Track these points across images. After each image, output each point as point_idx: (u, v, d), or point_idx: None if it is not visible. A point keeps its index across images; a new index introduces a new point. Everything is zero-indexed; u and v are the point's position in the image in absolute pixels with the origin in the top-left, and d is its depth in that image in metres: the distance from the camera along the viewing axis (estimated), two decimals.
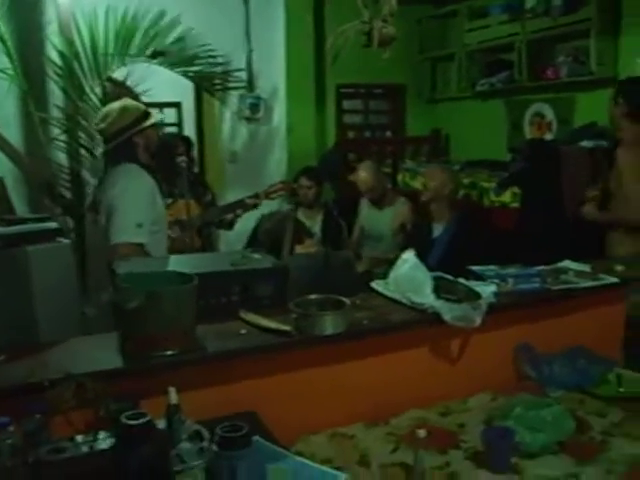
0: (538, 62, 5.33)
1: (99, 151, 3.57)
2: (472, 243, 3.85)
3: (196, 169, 5.44)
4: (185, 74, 4.69)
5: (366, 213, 5.01)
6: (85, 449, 1.65)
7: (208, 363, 2.02)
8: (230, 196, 4.83)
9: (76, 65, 4.41)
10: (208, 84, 4.97)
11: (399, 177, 5.90)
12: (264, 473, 1.47)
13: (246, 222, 5.00)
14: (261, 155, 6.28)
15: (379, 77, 5.90)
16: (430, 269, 2.48)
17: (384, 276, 2.64)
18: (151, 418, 1.50)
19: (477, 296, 2.38)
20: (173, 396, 1.82)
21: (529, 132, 5.72)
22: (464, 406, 2.38)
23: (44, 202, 4.57)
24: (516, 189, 4.53)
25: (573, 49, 5.08)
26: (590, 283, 2.73)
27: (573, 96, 5.24)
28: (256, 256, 2.53)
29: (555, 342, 2.59)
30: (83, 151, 4.47)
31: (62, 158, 4.59)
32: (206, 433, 1.82)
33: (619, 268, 2.90)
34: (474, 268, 2.75)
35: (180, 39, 4.58)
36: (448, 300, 2.36)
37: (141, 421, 1.46)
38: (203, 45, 4.60)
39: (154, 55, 4.52)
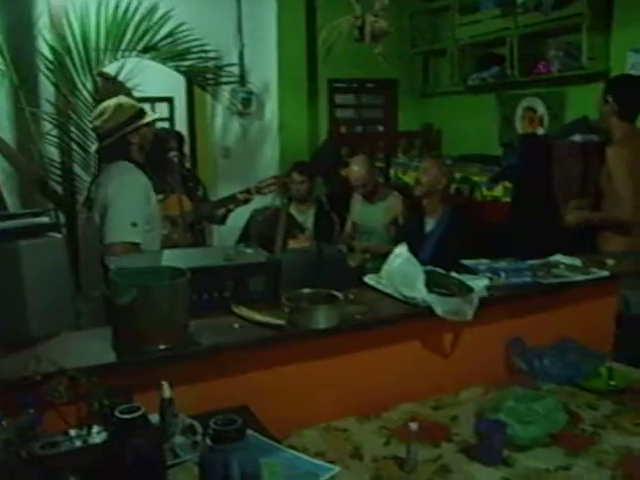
0: (530, 57, 5.34)
1: (92, 148, 3.55)
2: (464, 237, 3.87)
3: (188, 164, 5.43)
4: (177, 69, 4.68)
5: (358, 208, 5.01)
6: (79, 443, 1.65)
7: (201, 357, 2.03)
8: (222, 191, 4.83)
9: (67, 60, 4.38)
10: (200, 79, 4.95)
11: (391, 172, 5.90)
12: (257, 466, 1.48)
13: (238, 217, 5.00)
14: (253, 150, 6.28)
15: (371, 72, 5.88)
16: (422, 263, 2.49)
17: (377, 270, 2.65)
18: (145, 411, 1.50)
19: (469, 290, 2.40)
20: (166, 390, 1.82)
21: (521, 127, 5.73)
22: (456, 399, 2.40)
23: (35, 197, 4.56)
24: (508, 183, 4.55)
25: (564, 44, 5.09)
26: (581, 277, 2.74)
27: (564, 91, 5.25)
28: (249, 251, 2.54)
29: (547, 335, 2.61)
30: (75, 146, 4.45)
31: (54, 153, 4.57)
32: (199, 427, 1.82)
33: (610, 262, 2.91)
34: (466, 262, 2.76)
35: (172, 34, 4.56)
36: (440, 294, 2.36)
37: (135, 414, 1.47)
38: (195, 40, 4.58)
39: (146, 50, 4.51)
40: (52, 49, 4.40)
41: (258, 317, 2.17)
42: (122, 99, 3.16)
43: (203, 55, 4.73)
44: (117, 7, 4.40)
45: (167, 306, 1.93)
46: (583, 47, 4.83)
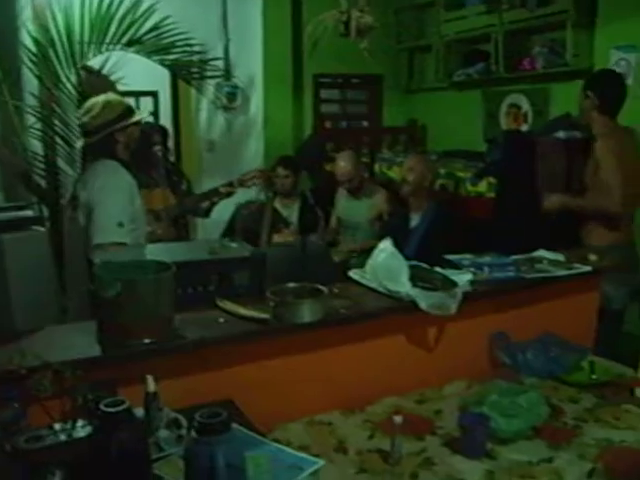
0: (515, 53, 5.36)
1: (77, 142, 3.52)
2: (449, 232, 3.88)
3: (172, 158, 5.41)
4: (162, 62, 4.65)
5: (343, 203, 5.01)
6: (63, 437, 1.64)
7: (186, 351, 2.03)
8: (207, 185, 4.80)
9: (51, 52, 4.35)
10: (185, 73, 4.93)
11: (376, 167, 5.91)
12: (242, 459, 1.48)
13: (223, 211, 4.99)
14: (238, 144, 6.26)
15: (356, 67, 5.88)
16: (407, 258, 2.50)
17: (361, 265, 2.66)
18: (130, 405, 1.50)
19: (453, 284, 2.41)
20: (151, 384, 1.83)
21: (505, 123, 5.74)
22: (440, 393, 2.42)
23: (19, 190, 4.53)
24: (492, 179, 4.57)
25: (549, 41, 5.11)
26: (564, 272, 2.77)
27: (549, 87, 5.27)
28: (233, 245, 2.54)
29: (530, 330, 2.63)
30: (59, 140, 4.42)
31: (37, 146, 4.54)
32: (184, 421, 1.83)
33: (593, 257, 2.94)
34: (450, 257, 2.77)
35: (156, 27, 4.53)
36: (424, 288, 2.38)
37: (120, 408, 1.47)
38: (180, 33, 4.56)
39: (130, 43, 4.48)
40: (36, 41, 4.37)
41: (243, 311, 2.17)
42: (110, 96, 3.12)
43: (188, 49, 4.71)
44: (101, 0, 4.37)
45: (152, 300, 1.93)
46: (567, 44, 4.85)
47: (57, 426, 1.69)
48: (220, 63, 5.62)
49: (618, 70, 4.38)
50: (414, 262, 2.53)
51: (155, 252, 2.45)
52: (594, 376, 2.52)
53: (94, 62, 4.50)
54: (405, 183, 4.26)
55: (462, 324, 2.49)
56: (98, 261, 2.16)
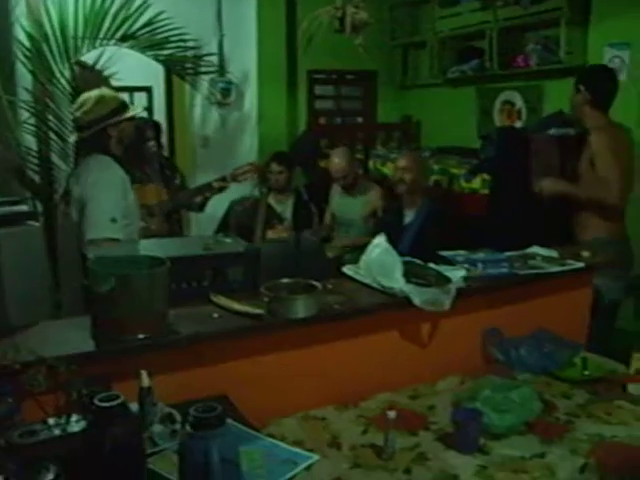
0: (509, 50, 5.37)
1: (71, 137, 3.52)
2: (443, 229, 3.89)
3: (165, 153, 5.40)
4: (156, 58, 4.64)
5: (337, 199, 5.02)
6: (57, 432, 1.65)
7: (180, 347, 2.03)
8: (201, 180, 4.79)
9: (45, 47, 4.33)
10: (179, 68, 4.93)
11: (370, 163, 5.91)
12: (237, 453, 1.49)
13: (217, 207, 4.99)
14: (232, 140, 6.26)
15: (351, 63, 5.88)
16: (401, 255, 2.51)
17: (355, 261, 2.66)
18: (124, 400, 1.51)
19: (447, 280, 2.42)
20: (145, 379, 1.83)
21: (499, 120, 5.76)
22: (433, 389, 2.43)
23: (12, 186, 4.51)
24: (486, 176, 4.58)
25: (543, 38, 5.12)
26: (557, 268, 2.78)
27: (542, 84, 5.28)
28: (228, 240, 2.54)
29: (523, 326, 2.64)
30: (52, 135, 4.41)
31: (31, 142, 4.53)
32: (178, 416, 1.83)
33: (586, 254, 2.95)
34: (444, 253, 2.78)
35: (150, 22, 4.52)
36: (418, 284, 2.39)
37: (114, 403, 1.47)
38: (174, 29, 4.56)
39: (124, 38, 4.47)
40: (29, 36, 4.36)
41: (237, 306, 2.17)
42: (104, 91, 3.11)
43: (182, 44, 4.70)
44: None
45: (146, 295, 1.93)
46: (561, 41, 4.86)
47: (51, 421, 1.69)
48: (214, 59, 5.62)
49: (612, 67, 4.39)
50: (408, 258, 2.54)
51: (149, 247, 2.45)
52: (587, 372, 2.53)
53: (88, 57, 4.49)
54: (401, 183, 4.25)
55: (456, 320, 2.50)
56: (92, 256, 2.16)
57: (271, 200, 5.02)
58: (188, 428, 1.45)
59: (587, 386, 2.41)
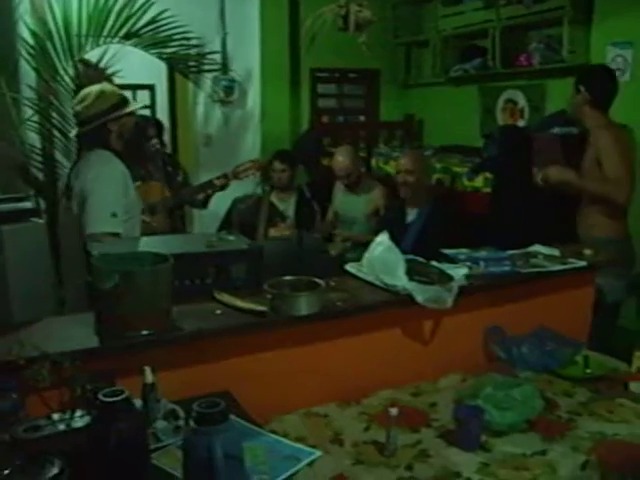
0: (511, 49, 5.37)
1: (72, 133, 3.53)
2: (445, 227, 3.89)
3: (168, 151, 5.41)
4: (159, 56, 4.65)
5: (341, 197, 5.02)
6: (62, 427, 1.66)
7: (183, 343, 2.04)
8: (204, 179, 4.77)
9: (49, 45, 4.35)
10: (182, 66, 4.93)
11: (373, 162, 5.92)
12: (240, 449, 1.50)
13: (220, 204, 5.00)
14: (235, 138, 6.26)
15: (354, 62, 5.89)
16: (404, 253, 2.51)
17: (357, 259, 2.67)
18: (129, 395, 1.52)
19: (449, 278, 2.42)
20: (148, 375, 1.84)
21: (501, 118, 5.76)
22: (435, 386, 2.43)
23: (17, 183, 4.52)
24: (488, 174, 4.58)
25: (546, 37, 5.12)
26: (559, 267, 2.78)
27: (545, 83, 5.29)
28: (231, 238, 2.55)
29: (525, 324, 2.65)
30: (56, 132, 4.42)
31: (35, 139, 4.54)
32: (181, 412, 1.84)
33: (588, 252, 2.95)
34: (446, 251, 2.78)
35: (154, 21, 4.53)
36: (421, 282, 2.39)
37: (119, 398, 1.48)
38: (177, 27, 4.56)
39: (128, 36, 4.48)
40: (33, 34, 4.37)
41: (240, 303, 2.18)
42: (105, 86, 3.13)
43: (185, 42, 4.70)
44: None
45: (150, 291, 1.94)
46: (564, 40, 4.87)
47: (56, 416, 1.71)
48: (217, 57, 5.62)
49: (614, 67, 4.40)
50: (411, 256, 2.54)
51: (153, 244, 2.46)
52: (588, 370, 2.54)
53: (92, 55, 4.50)
54: (405, 186, 4.25)
55: (458, 318, 2.51)
56: (96, 253, 2.17)
57: (274, 198, 5.03)
58: (192, 423, 1.46)
59: (589, 384, 2.42)
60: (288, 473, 1.70)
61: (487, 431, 2.03)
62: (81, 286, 2.57)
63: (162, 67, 5.19)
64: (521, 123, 5.52)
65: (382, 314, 2.40)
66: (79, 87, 4.29)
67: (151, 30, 4.53)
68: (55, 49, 4.38)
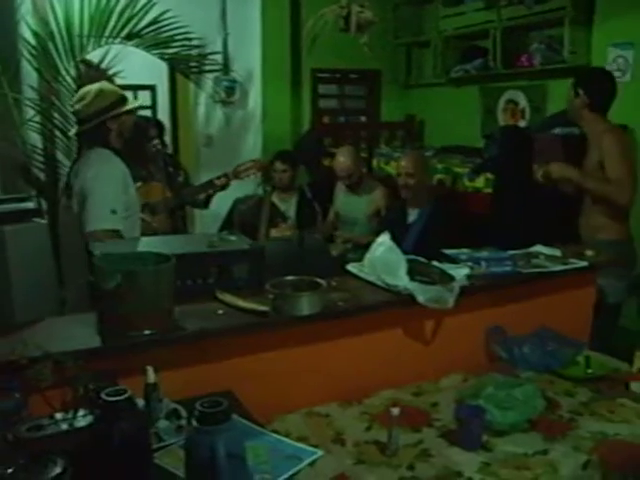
0: (512, 50, 5.38)
1: (72, 132, 3.55)
2: (446, 228, 3.89)
3: (169, 151, 5.41)
4: (161, 56, 4.66)
5: (342, 198, 5.02)
6: (65, 426, 1.66)
7: (186, 343, 2.05)
8: (205, 179, 4.80)
9: (51, 45, 4.36)
10: (184, 67, 4.94)
11: (374, 162, 5.93)
12: (243, 448, 1.50)
13: (221, 205, 5.01)
14: (236, 138, 6.27)
15: (355, 62, 5.90)
16: (405, 253, 2.51)
17: (358, 260, 2.68)
18: (131, 394, 1.52)
19: (450, 278, 2.43)
20: (151, 375, 1.84)
21: (502, 119, 5.77)
22: (436, 386, 2.43)
23: (18, 184, 4.53)
24: (489, 175, 4.58)
25: (547, 37, 5.13)
26: (560, 267, 2.79)
27: (546, 84, 5.29)
28: (232, 238, 2.55)
29: (526, 324, 2.65)
30: (58, 133, 4.43)
31: (36, 139, 4.55)
32: (184, 412, 1.85)
33: (589, 253, 2.96)
34: (448, 251, 2.79)
35: (156, 21, 4.55)
36: (422, 282, 2.40)
37: (121, 397, 1.48)
38: (179, 27, 4.57)
39: (129, 37, 4.49)
40: (35, 34, 4.38)
41: (242, 303, 2.18)
42: (104, 85, 3.15)
43: (187, 43, 4.71)
44: None
45: (152, 291, 1.94)
46: (565, 41, 4.88)
47: (58, 415, 1.70)
48: (219, 57, 5.63)
49: (615, 67, 4.41)
50: (412, 256, 2.55)
51: (155, 244, 2.46)
52: (590, 370, 2.54)
53: (93, 55, 4.51)
54: (406, 189, 4.25)
55: (459, 318, 2.51)
56: (98, 253, 2.18)
57: (275, 199, 5.04)
58: (194, 423, 1.46)
59: (590, 384, 2.42)
60: (290, 472, 1.71)
61: (488, 431, 2.03)
62: (82, 285, 2.58)
63: (163, 67, 5.20)
64: (522, 123, 5.52)
65: (383, 314, 2.40)
66: (81, 88, 4.31)
67: (153, 31, 4.55)
68: (57, 49, 4.39)
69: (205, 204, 4.47)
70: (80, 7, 4.38)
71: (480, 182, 4.67)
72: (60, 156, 4.46)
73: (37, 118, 4.47)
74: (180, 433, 1.77)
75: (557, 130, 4.34)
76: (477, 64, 5.75)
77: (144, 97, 6.05)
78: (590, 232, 3.48)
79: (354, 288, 2.47)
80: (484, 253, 2.78)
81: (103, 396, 1.50)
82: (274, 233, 4.78)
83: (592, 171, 3.42)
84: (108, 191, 2.91)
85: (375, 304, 2.38)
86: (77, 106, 3.07)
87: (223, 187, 4.25)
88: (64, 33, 4.39)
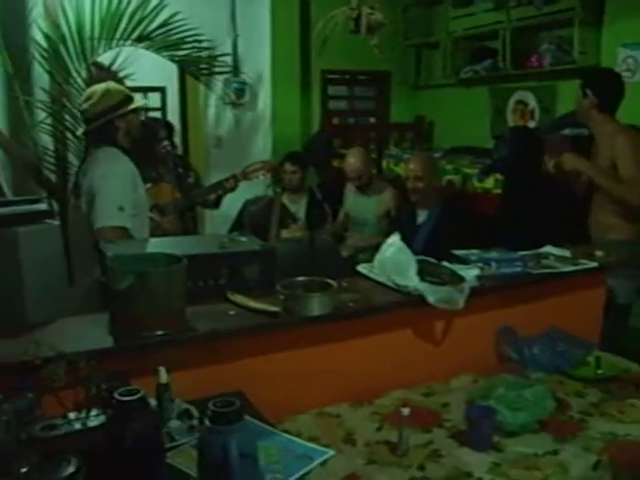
0: (522, 50, 5.38)
1: (79, 131, 3.58)
2: (456, 228, 3.89)
3: (179, 152, 5.43)
4: (171, 58, 4.68)
5: (352, 199, 5.03)
6: (78, 426, 1.68)
7: (197, 343, 2.06)
8: (214, 181, 4.83)
9: (62, 48, 4.38)
10: (194, 69, 4.95)
11: (383, 163, 5.93)
12: (255, 448, 1.51)
13: (231, 206, 5.02)
14: (246, 140, 6.29)
15: (364, 63, 5.91)
16: (415, 254, 2.52)
17: (369, 260, 2.68)
18: (144, 394, 1.53)
19: (460, 279, 2.43)
20: (163, 375, 1.85)
21: (512, 120, 5.77)
22: (447, 387, 2.44)
23: (29, 185, 4.56)
24: (499, 175, 4.58)
25: (556, 38, 5.13)
26: (570, 268, 2.78)
27: (555, 84, 5.29)
28: (243, 239, 2.56)
29: (536, 325, 2.65)
30: (69, 134, 4.45)
31: (48, 141, 4.57)
32: (195, 412, 1.86)
33: (599, 254, 2.96)
34: (458, 252, 2.79)
35: (166, 23, 4.56)
36: (432, 283, 2.40)
37: (135, 397, 1.50)
38: (189, 29, 4.59)
39: (140, 39, 4.51)
40: (47, 37, 4.40)
41: (253, 304, 2.19)
42: (110, 84, 3.18)
43: (197, 45, 4.72)
44: None
45: (164, 292, 1.95)
46: (575, 41, 4.87)
47: (71, 415, 1.72)
48: (228, 59, 5.65)
49: (625, 67, 4.40)
50: (422, 257, 2.55)
51: (166, 246, 2.47)
52: (600, 371, 2.54)
53: (104, 58, 4.53)
54: (415, 192, 4.26)
55: (469, 319, 2.51)
56: (110, 254, 2.19)
57: (285, 200, 5.05)
58: (207, 422, 1.47)
59: (600, 385, 2.42)
60: (301, 472, 1.71)
61: (499, 431, 2.03)
62: (92, 285, 2.60)
63: (173, 69, 5.22)
64: (531, 124, 5.52)
65: (394, 315, 2.41)
66: None
67: (163, 33, 4.56)
68: (68, 52, 4.41)
69: (216, 204, 4.49)
70: (91, 10, 4.40)
71: (490, 183, 4.67)
72: (71, 157, 4.48)
73: (48, 120, 4.49)
74: (192, 433, 1.78)
75: (567, 131, 4.33)
76: (487, 65, 5.75)
77: (154, 99, 6.09)
78: (600, 232, 3.48)
79: (364, 289, 2.48)
80: (494, 254, 2.78)
81: (116, 396, 1.51)
82: (285, 234, 4.79)
83: (606, 165, 3.42)
84: (116, 189, 2.94)
85: (385, 305, 2.38)
86: (84, 105, 3.11)
87: (232, 189, 4.26)
88: (75, 36, 4.41)
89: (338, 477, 1.80)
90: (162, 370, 1.85)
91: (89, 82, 4.44)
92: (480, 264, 2.66)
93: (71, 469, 1.48)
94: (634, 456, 1.96)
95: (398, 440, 1.96)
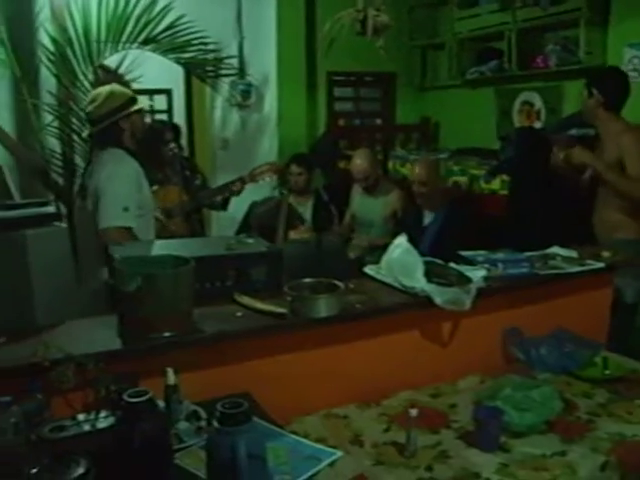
0: (528, 51, 5.37)
1: (85, 133, 3.61)
2: (463, 230, 3.90)
3: (186, 154, 5.45)
4: (177, 61, 4.69)
5: (358, 200, 5.03)
6: (87, 427, 1.69)
7: (205, 345, 2.06)
8: (221, 183, 4.84)
9: (69, 51, 4.40)
10: (200, 71, 4.96)
11: (389, 164, 5.93)
12: (263, 449, 1.52)
13: (238, 208, 5.03)
14: (252, 142, 6.30)
15: (370, 65, 5.91)
16: (421, 255, 2.52)
17: (376, 261, 2.69)
18: (153, 395, 1.54)
19: (467, 280, 2.43)
20: (171, 377, 1.86)
21: (518, 120, 5.76)
22: (454, 388, 2.44)
23: (36, 188, 4.58)
24: (505, 176, 4.58)
25: (562, 38, 5.12)
26: (577, 268, 2.78)
27: (562, 85, 5.28)
28: (250, 241, 2.57)
29: (543, 326, 2.65)
30: (76, 137, 4.47)
31: (55, 144, 4.59)
32: (203, 413, 1.87)
33: (606, 254, 2.95)
34: (464, 253, 2.79)
35: (172, 26, 4.58)
36: (439, 284, 2.40)
37: (143, 398, 1.50)
38: (195, 32, 4.60)
39: (146, 42, 4.52)
40: (54, 41, 4.42)
41: (260, 306, 2.20)
42: (115, 86, 3.22)
43: (203, 47, 4.73)
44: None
45: (172, 294, 1.96)
46: (580, 42, 4.87)
47: (80, 417, 1.73)
48: (234, 61, 5.65)
49: (631, 67, 4.40)
50: (429, 258, 2.55)
51: (173, 248, 2.47)
52: (607, 371, 2.54)
53: (111, 61, 4.55)
54: (421, 196, 4.26)
55: (476, 320, 2.51)
56: (118, 256, 2.20)
57: (291, 201, 5.05)
58: (215, 424, 1.48)
59: (608, 385, 2.42)
60: (309, 473, 1.72)
61: (506, 432, 2.03)
62: (100, 287, 2.61)
63: (179, 71, 5.23)
64: (537, 125, 5.51)
65: (401, 316, 2.41)
66: None
67: (169, 35, 4.57)
68: (75, 55, 4.43)
69: (223, 206, 4.51)
70: (98, 13, 4.42)
71: (496, 184, 4.67)
72: (78, 160, 4.50)
73: (55, 123, 4.51)
74: (200, 434, 1.79)
75: (573, 131, 4.33)
76: (492, 66, 5.74)
77: (160, 101, 6.10)
78: (606, 231, 3.47)
79: (371, 290, 2.48)
80: (501, 255, 2.78)
81: (124, 398, 1.52)
82: (292, 235, 4.80)
83: (614, 162, 3.42)
84: (121, 190, 2.97)
85: (392, 306, 2.39)
86: (89, 108, 3.15)
87: (239, 191, 4.28)
88: (82, 39, 4.43)
89: (346, 478, 1.80)
90: (170, 371, 1.86)
91: (96, 85, 4.47)
92: (487, 265, 2.66)
93: (80, 470, 1.49)
94: None
95: (406, 441, 1.97)
